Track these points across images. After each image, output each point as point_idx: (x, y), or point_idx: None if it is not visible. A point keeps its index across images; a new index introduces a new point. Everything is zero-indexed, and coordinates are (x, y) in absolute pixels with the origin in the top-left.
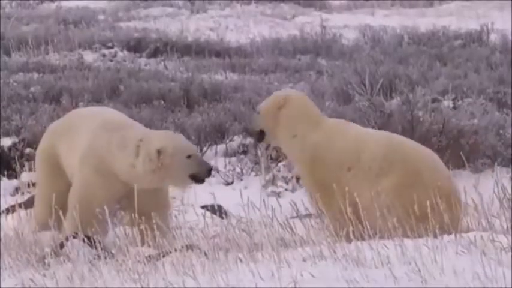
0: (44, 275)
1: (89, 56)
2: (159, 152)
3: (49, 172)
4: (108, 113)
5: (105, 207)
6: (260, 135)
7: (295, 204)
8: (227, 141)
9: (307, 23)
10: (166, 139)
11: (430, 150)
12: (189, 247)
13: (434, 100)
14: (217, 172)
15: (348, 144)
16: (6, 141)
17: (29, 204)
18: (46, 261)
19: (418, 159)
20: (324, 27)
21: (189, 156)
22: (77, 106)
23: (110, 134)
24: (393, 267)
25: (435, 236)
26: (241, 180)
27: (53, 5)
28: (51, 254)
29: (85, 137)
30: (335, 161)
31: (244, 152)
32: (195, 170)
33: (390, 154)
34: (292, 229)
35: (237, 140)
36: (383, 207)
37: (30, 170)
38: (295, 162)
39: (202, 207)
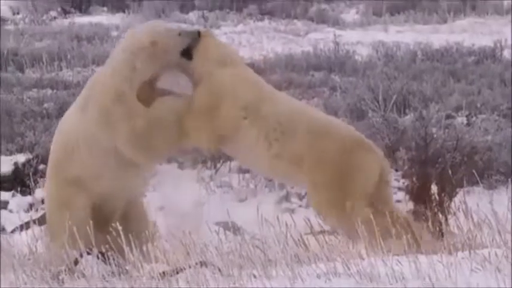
0: None
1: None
2: (152, 43)
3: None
4: None
5: None
6: None
7: (309, 221)
8: None
9: (320, 39)
10: (155, 32)
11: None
12: (203, 263)
13: (448, 116)
14: (231, 188)
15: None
16: (20, 158)
17: (43, 220)
18: (60, 277)
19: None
20: (337, 44)
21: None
22: None
23: None
24: (407, 283)
25: (449, 253)
26: (255, 196)
27: (66, 21)
28: (65, 271)
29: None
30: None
31: None
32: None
33: (295, 114)
34: (306, 245)
35: None
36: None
37: (44, 186)
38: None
39: (216, 223)
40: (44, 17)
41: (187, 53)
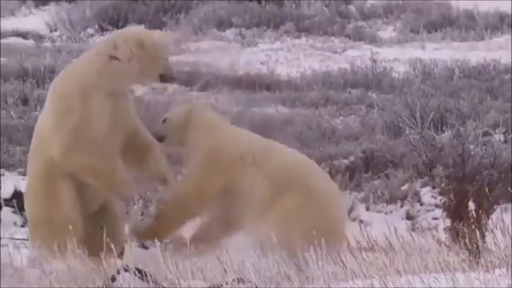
0: None
1: (139, 89)
2: (140, 42)
3: None
4: None
5: None
6: (161, 139)
7: (346, 237)
8: None
9: (357, 56)
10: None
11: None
12: (240, 280)
13: (485, 134)
14: None
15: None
16: None
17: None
18: None
19: (318, 180)
20: (374, 61)
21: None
22: None
23: None
24: None
25: (487, 270)
26: None
27: (103, 38)
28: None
29: None
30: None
31: None
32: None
33: (295, 171)
34: (343, 262)
35: None
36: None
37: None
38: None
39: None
40: (81, 34)
41: (164, 77)
